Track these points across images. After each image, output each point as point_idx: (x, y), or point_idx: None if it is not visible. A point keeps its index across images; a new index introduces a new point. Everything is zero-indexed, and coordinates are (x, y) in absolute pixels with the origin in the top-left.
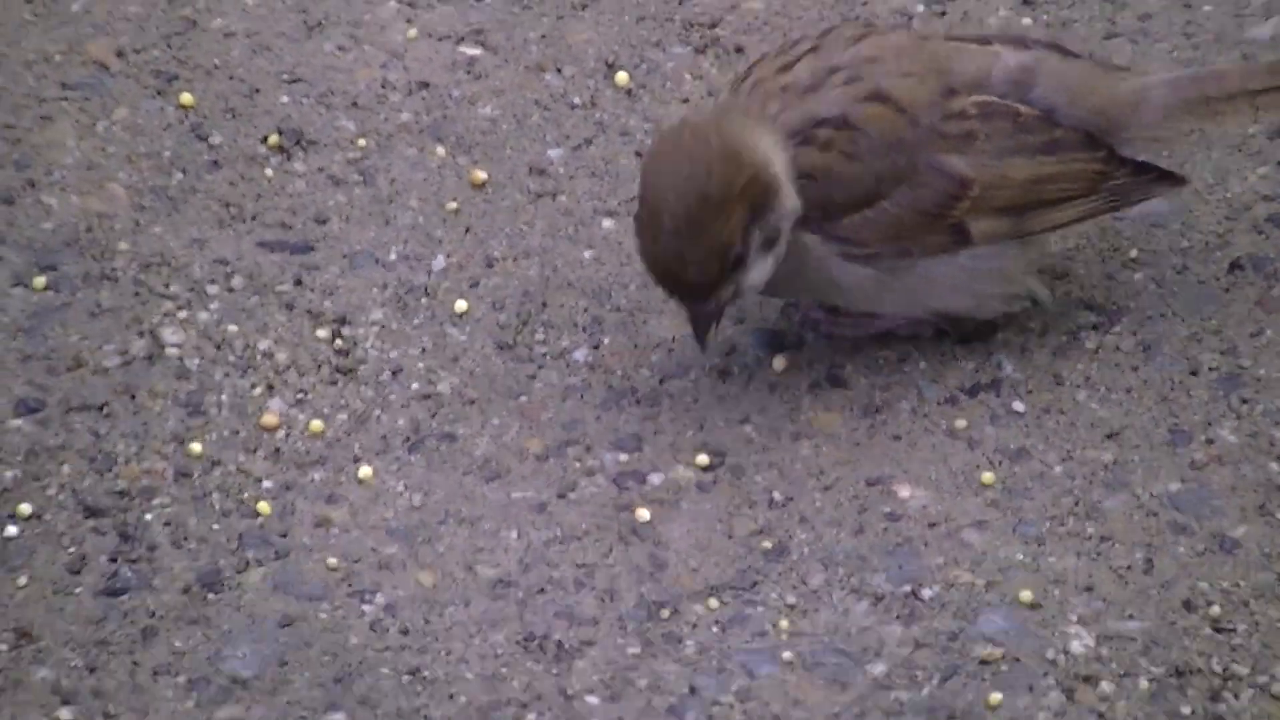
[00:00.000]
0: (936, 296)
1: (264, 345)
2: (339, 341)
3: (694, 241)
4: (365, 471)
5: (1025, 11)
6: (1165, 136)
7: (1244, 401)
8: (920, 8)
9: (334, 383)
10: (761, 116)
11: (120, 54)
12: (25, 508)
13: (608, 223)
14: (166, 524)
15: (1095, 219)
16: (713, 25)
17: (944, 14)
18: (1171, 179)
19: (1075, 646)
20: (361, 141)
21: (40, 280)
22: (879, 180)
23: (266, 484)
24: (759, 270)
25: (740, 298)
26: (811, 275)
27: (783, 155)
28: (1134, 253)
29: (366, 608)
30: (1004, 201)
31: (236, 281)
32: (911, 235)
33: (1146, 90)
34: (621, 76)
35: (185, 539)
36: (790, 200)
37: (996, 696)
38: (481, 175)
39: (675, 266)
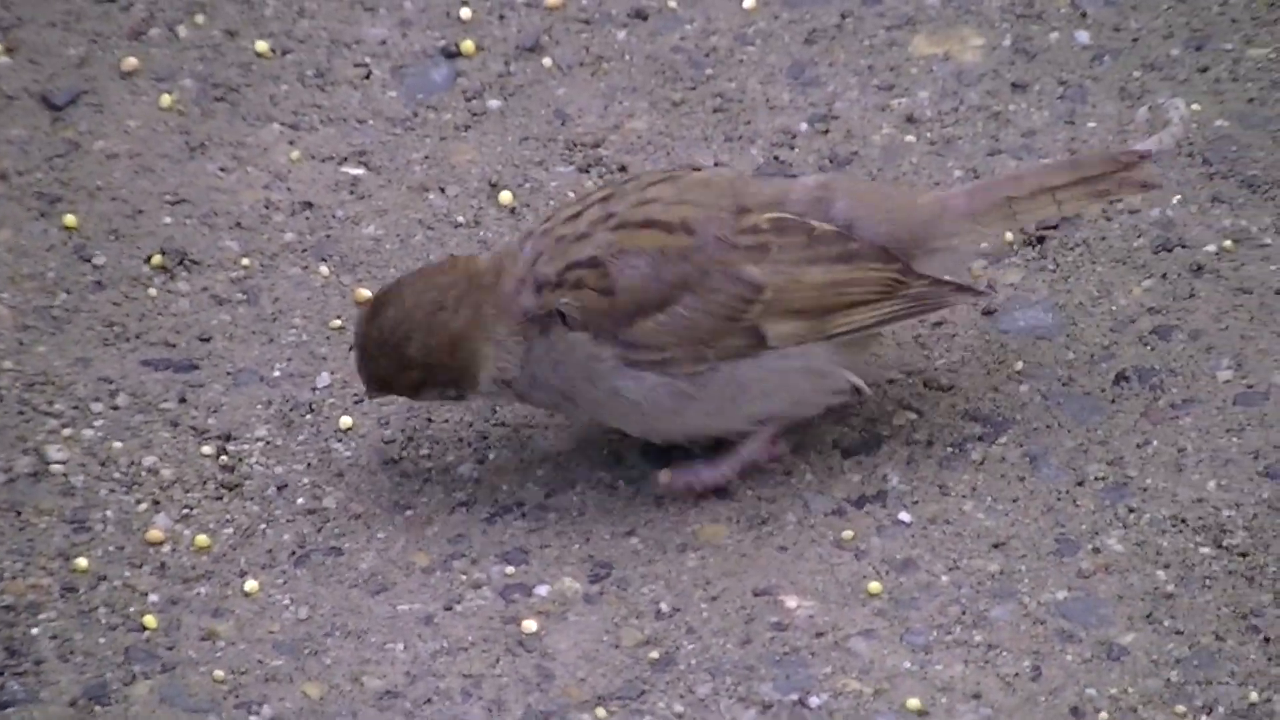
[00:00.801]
0: (749, 401)
1: (149, 462)
2: (224, 458)
3: (384, 355)
4: (251, 585)
5: (909, 129)
6: (968, 245)
7: (1130, 511)
8: (804, 126)
9: (219, 498)
10: (510, 274)
11: (3, 176)
12: None
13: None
14: (53, 638)
15: (899, 322)
16: (596, 145)
17: (827, 132)
18: (970, 291)
19: None
20: (245, 261)
21: None
22: (670, 287)
23: (153, 598)
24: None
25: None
26: (592, 388)
27: (504, 330)
28: (1019, 365)
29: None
30: (800, 304)
31: (121, 400)
32: (706, 339)
33: (947, 201)
34: (505, 196)
35: (72, 653)
36: (491, 373)
37: None
38: (366, 293)
39: (362, 358)
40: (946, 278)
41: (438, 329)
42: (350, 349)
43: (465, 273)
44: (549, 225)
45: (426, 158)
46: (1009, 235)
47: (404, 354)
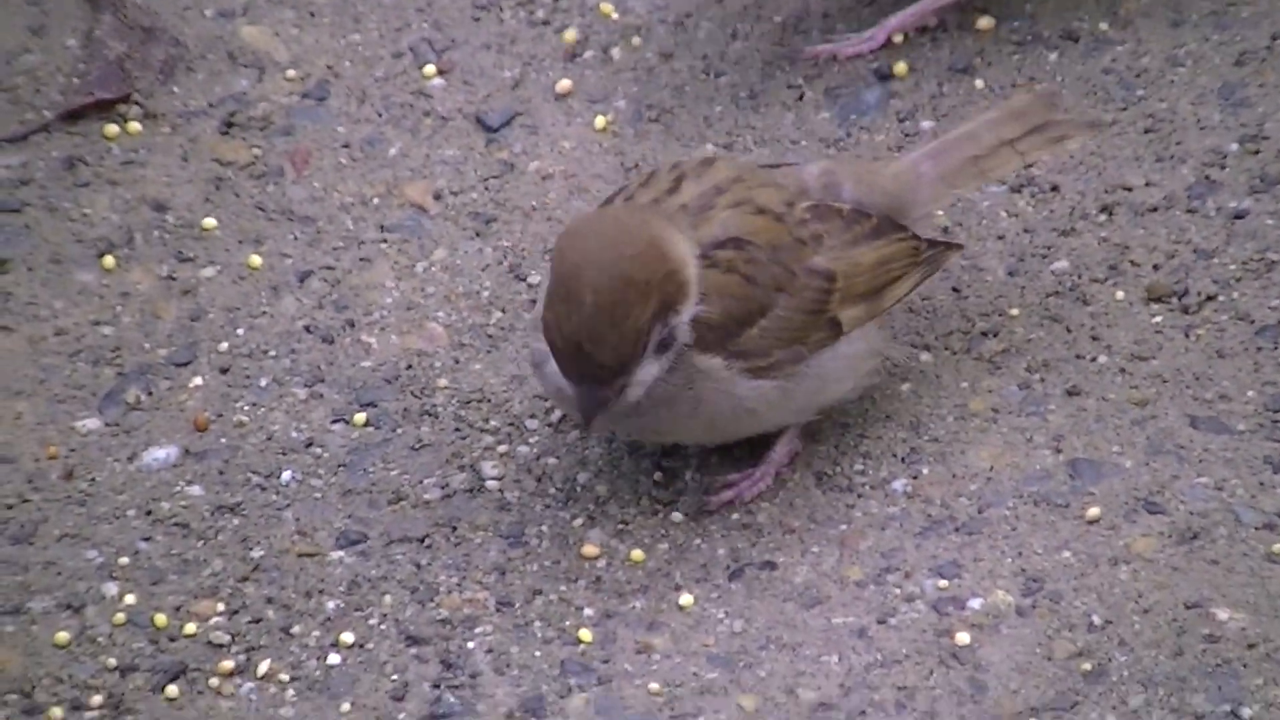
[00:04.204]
0: (826, 392)
1: (584, 478)
2: (659, 474)
3: (613, 323)
4: (686, 599)
5: None
6: (939, 206)
7: None
8: (1234, 146)
9: (655, 513)
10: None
11: (438, 196)
12: (348, 637)
13: (925, 356)
14: (489, 651)
15: (918, 288)
16: (1028, 165)
17: (1257, 152)
18: (957, 246)
19: None
20: None
21: (360, 417)
22: (767, 292)
23: (588, 612)
24: (649, 369)
25: (626, 395)
26: (709, 407)
27: (694, 265)
28: None
29: None
30: (862, 287)
31: (555, 416)
32: (800, 335)
33: (918, 167)
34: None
35: (508, 666)
36: (691, 309)
37: None
38: None
39: (590, 346)
40: (934, 237)
41: (657, 240)
42: (562, 333)
43: (639, 222)
44: (654, 198)
45: None
46: None
47: (653, 275)
